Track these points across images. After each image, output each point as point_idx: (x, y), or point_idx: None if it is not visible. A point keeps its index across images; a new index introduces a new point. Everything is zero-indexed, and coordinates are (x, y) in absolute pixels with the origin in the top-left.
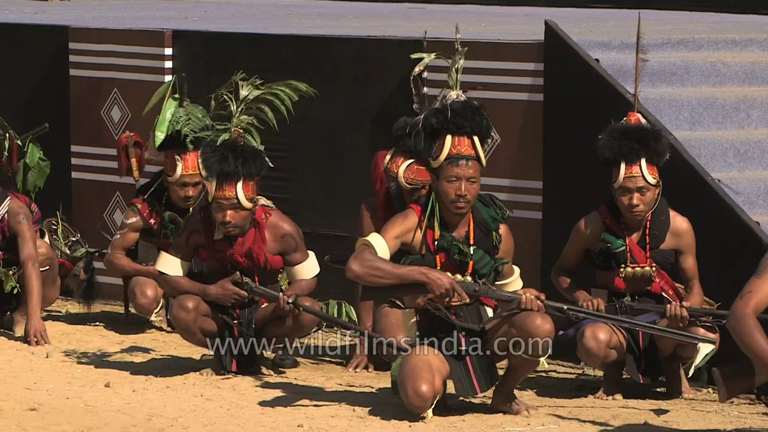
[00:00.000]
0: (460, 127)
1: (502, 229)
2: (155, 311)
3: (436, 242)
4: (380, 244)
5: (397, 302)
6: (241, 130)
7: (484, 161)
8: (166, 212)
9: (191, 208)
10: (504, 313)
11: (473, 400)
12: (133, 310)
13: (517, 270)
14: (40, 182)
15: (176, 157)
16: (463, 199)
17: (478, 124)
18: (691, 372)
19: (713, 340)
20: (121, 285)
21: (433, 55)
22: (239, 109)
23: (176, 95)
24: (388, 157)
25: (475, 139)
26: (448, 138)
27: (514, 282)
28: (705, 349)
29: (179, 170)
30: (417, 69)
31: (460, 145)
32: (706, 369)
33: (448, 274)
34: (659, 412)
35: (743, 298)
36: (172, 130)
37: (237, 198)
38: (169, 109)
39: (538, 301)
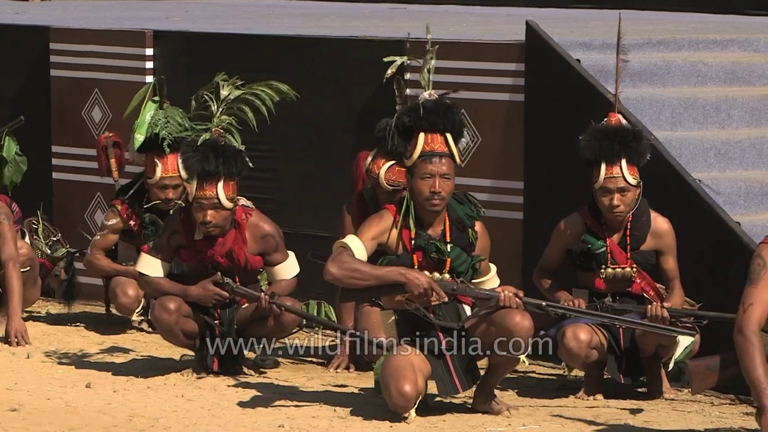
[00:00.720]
0: (433, 124)
1: (478, 226)
2: (136, 311)
3: (412, 241)
4: (357, 246)
5: (378, 302)
6: (222, 130)
7: (458, 158)
8: (146, 214)
9: (171, 212)
10: (483, 311)
11: (454, 400)
12: (114, 310)
13: (493, 268)
14: (17, 178)
15: (156, 159)
16: (438, 196)
17: (450, 121)
18: (670, 366)
19: (693, 333)
20: (102, 285)
21: (405, 58)
22: (220, 109)
23: (156, 98)
24: (369, 158)
25: (448, 136)
26: (421, 135)
27: (491, 280)
28: (684, 343)
29: (159, 173)
30: (389, 71)
31: (433, 143)
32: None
33: (426, 273)
34: (640, 412)
35: (747, 312)
36: (150, 132)
37: (218, 198)
38: (149, 111)
39: (517, 299)
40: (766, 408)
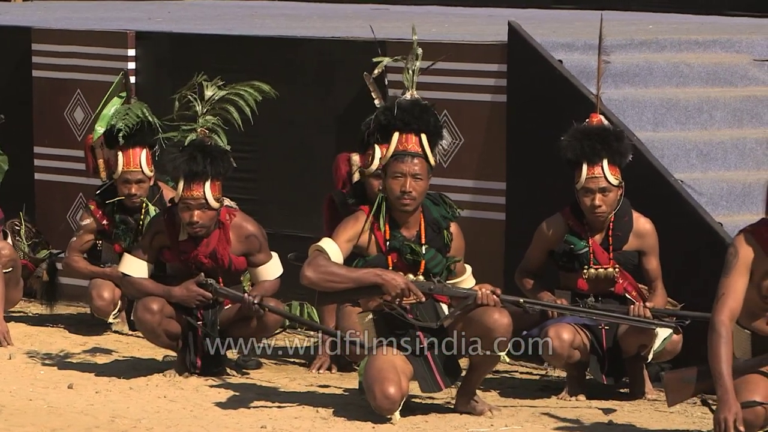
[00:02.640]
0: (407, 124)
1: (453, 227)
2: (112, 313)
3: (387, 242)
4: (332, 249)
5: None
6: (207, 130)
7: (432, 160)
8: (117, 214)
9: (143, 211)
10: (460, 309)
11: (437, 401)
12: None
13: (468, 268)
14: None
15: (118, 153)
16: (408, 196)
17: (425, 122)
18: (650, 357)
19: (672, 324)
20: (85, 286)
21: (388, 59)
22: (204, 109)
23: (123, 93)
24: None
25: (423, 136)
26: (396, 135)
27: (466, 280)
28: (663, 334)
29: (120, 166)
30: (376, 71)
31: (406, 142)
32: (669, 368)
33: (401, 273)
34: (622, 412)
35: (719, 302)
36: (109, 125)
37: (205, 198)
38: (114, 106)
39: (494, 296)
40: (722, 401)
